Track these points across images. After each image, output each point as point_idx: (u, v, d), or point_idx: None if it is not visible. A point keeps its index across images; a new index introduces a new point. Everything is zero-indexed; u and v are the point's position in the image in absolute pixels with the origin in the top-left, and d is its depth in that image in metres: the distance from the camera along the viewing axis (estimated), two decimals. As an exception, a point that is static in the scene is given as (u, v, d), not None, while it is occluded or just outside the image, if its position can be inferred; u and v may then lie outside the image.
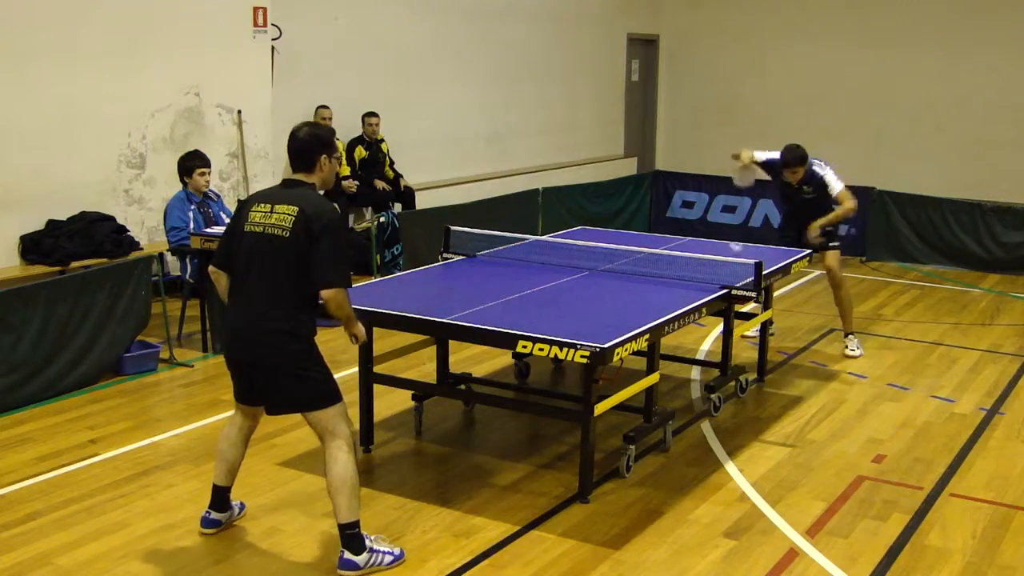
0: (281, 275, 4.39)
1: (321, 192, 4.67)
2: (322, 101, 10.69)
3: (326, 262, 4.35)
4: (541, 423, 6.41)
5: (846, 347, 8.10)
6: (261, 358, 4.46)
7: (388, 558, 4.59)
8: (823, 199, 7.88)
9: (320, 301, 4.43)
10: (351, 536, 4.49)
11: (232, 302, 4.58)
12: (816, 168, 7.87)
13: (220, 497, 4.88)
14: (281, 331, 4.40)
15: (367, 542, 4.54)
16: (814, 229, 7.78)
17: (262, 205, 4.49)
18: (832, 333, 8.68)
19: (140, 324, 7.37)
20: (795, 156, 7.79)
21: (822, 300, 9.82)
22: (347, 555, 4.50)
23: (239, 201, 4.72)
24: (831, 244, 7.97)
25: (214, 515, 4.88)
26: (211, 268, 4.70)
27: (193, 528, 4.93)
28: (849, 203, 7.82)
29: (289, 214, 4.37)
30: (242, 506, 5.06)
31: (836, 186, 7.82)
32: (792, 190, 8.01)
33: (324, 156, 4.55)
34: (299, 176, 4.55)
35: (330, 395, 4.51)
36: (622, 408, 5.75)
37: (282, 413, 4.70)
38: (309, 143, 4.54)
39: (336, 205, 4.56)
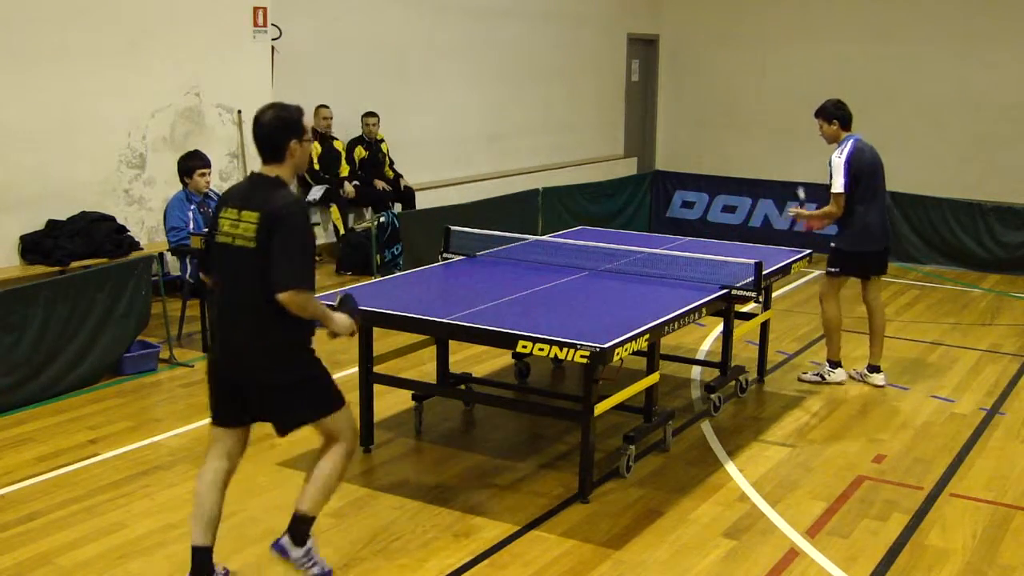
0: (258, 287, 4.04)
1: (293, 178, 4.28)
2: (322, 101, 10.69)
3: (277, 261, 3.98)
4: (541, 423, 6.41)
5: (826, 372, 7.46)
6: (250, 376, 4.19)
7: (315, 569, 4.34)
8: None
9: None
10: (303, 530, 4.30)
11: (217, 315, 4.29)
12: (838, 149, 7.08)
13: (203, 562, 4.27)
14: (271, 347, 4.13)
15: (309, 540, 4.34)
16: (792, 211, 7.46)
17: (230, 211, 4.16)
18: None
19: (140, 324, 7.37)
20: (819, 106, 7.22)
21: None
22: (285, 540, 4.31)
23: (216, 204, 4.45)
24: (829, 270, 7.31)
25: None
26: (201, 275, 4.43)
27: (193, 528, 4.94)
28: (831, 207, 7.10)
29: (252, 222, 4.05)
30: (226, 572, 4.48)
31: (835, 181, 7.03)
32: None
33: (294, 141, 4.14)
34: (268, 168, 4.18)
35: (332, 401, 4.29)
36: (622, 408, 5.75)
37: (291, 430, 4.33)
38: (275, 128, 4.13)
39: (304, 199, 4.19)
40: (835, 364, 7.43)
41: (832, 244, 7.33)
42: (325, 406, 4.29)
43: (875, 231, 7.22)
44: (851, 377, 7.48)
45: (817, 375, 7.44)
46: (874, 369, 7.43)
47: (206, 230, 7.55)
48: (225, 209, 4.20)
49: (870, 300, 7.42)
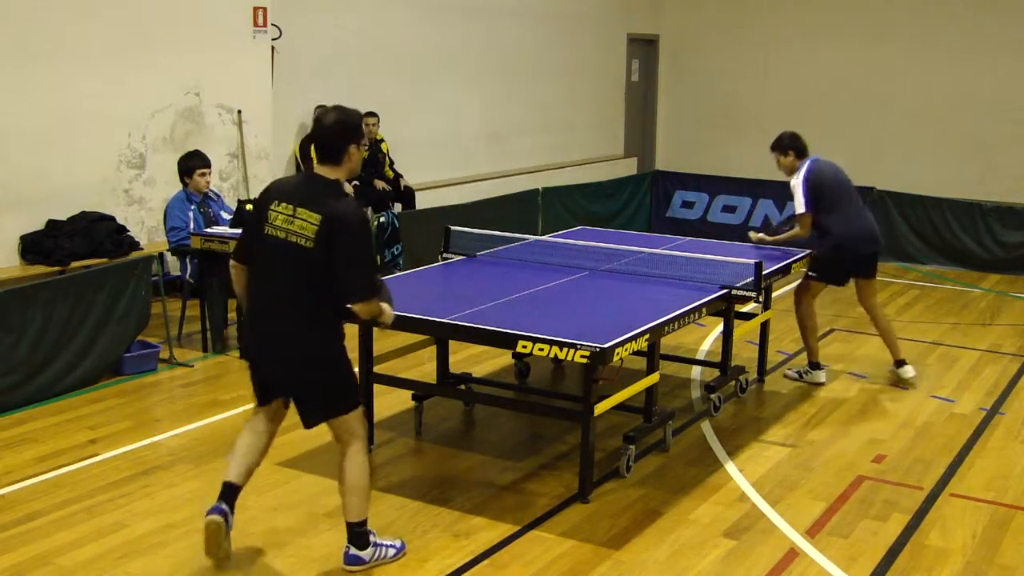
0: (304, 285, 4.22)
1: (348, 181, 4.39)
2: (322, 101, 10.68)
3: (350, 271, 4.16)
4: (541, 423, 6.41)
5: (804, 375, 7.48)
6: (285, 367, 4.36)
7: (391, 551, 4.64)
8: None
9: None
10: (359, 533, 4.53)
11: (254, 306, 4.42)
12: (796, 173, 7.15)
13: (228, 496, 4.45)
14: (306, 342, 4.28)
15: (371, 537, 4.58)
16: (754, 237, 7.57)
17: (284, 205, 4.25)
18: (832, 333, 8.68)
19: (140, 324, 7.37)
20: (775, 140, 7.31)
21: (822, 300, 9.80)
22: (353, 551, 4.54)
23: (261, 193, 4.51)
24: (808, 273, 7.39)
25: (224, 505, 4.42)
26: (232, 262, 4.52)
27: (193, 528, 4.92)
28: (797, 229, 7.22)
29: (312, 223, 4.14)
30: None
31: (797, 203, 7.11)
32: None
33: (352, 145, 4.26)
34: (325, 169, 4.28)
35: (353, 400, 4.45)
36: (622, 408, 5.75)
37: (316, 423, 4.48)
38: (337, 132, 4.24)
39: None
40: (815, 365, 7.45)
41: (811, 252, 7.39)
42: (351, 403, 4.45)
43: (853, 240, 7.20)
44: (895, 386, 7.36)
45: (797, 372, 7.50)
46: (900, 364, 7.46)
47: (223, 225, 7.63)
48: (278, 203, 4.29)
49: (865, 306, 7.48)
